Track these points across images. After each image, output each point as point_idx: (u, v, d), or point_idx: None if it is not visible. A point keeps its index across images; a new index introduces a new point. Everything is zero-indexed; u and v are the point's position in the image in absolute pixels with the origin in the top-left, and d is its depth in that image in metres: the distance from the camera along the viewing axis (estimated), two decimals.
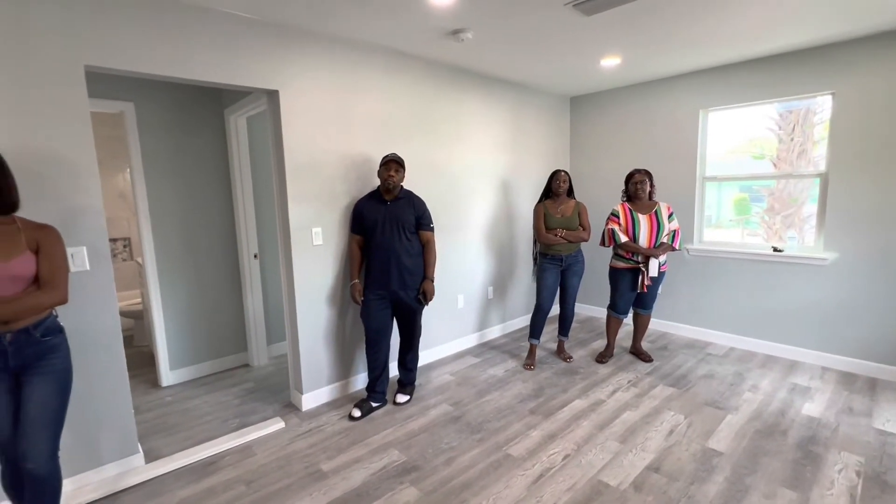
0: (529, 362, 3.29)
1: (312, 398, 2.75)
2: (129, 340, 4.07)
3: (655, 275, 3.10)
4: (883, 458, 2.12)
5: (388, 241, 2.60)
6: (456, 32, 2.62)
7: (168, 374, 3.13)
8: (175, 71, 2.10)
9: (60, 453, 1.56)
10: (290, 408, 2.76)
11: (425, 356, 3.37)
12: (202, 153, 3.18)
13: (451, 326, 3.59)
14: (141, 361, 3.59)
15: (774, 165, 4.95)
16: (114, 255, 4.53)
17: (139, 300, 4.01)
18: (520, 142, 4.03)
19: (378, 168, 2.67)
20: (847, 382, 2.93)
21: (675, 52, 3.14)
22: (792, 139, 5.53)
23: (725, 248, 3.64)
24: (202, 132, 3.17)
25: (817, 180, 3.23)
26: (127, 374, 2.09)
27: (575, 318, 4.38)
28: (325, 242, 2.71)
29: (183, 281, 3.14)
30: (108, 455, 2.07)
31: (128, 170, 3.32)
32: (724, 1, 2.28)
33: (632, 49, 3.05)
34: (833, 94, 3.06)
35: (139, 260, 3.39)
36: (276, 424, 2.53)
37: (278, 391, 2.99)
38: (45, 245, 1.50)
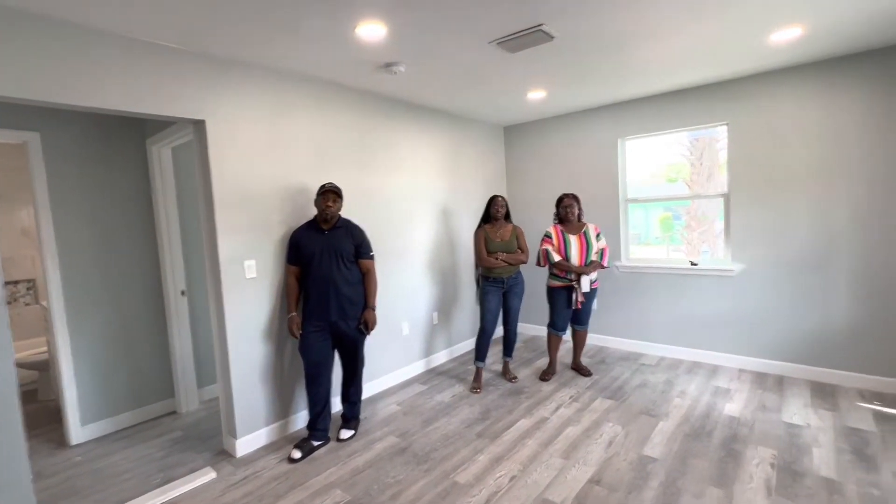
0: (476, 385, 3.31)
1: (248, 442, 2.57)
2: (31, 395, 3.61)
3: (587, 290, 3.27)
4: (792, 448, 2.33)
5: (327, 270, 2.55)
6: (388, 66, 2.70)
7: (78, 431, 2.79)
8: (86, 100, 1.98)
9: None
10: (223, 455, 2.55)
11: (371, 387, 3.28)
12: (120, 185, 2.97)
13: (397, 355, 3.54)
14: (46, 418, 3.18)
15: (689, 187, 5.51)
16: (15, 300, 4.05)
17: (45, 349, 3.59)
18: (458, 170, 4.16)
19: (315, 198, 2.64)
20: (760, 382, 3.22)
21: (593, 87, 3.44)
22: (701, 164, 6.18)
23: (650, 263, 3.93)
24: (120, 163, 2.97)
25: (722, 200, 3.61)
26: (24, 433, 1.84)
27: (519, 338, 4.49)
28: (259, 275, 2.61)
29: (98, 324, 2.86)
30: None
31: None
32: (625, 43, 2.55)
33: (554, 84, 3.29)
34: (727, 124, 3.47)
35: (45, 303, 3.06)
36: (207, 475, 2.33)
37: (210, 438, 2.77)
38: None
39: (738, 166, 3.43)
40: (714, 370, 3.49)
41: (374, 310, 2.69)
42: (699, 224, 7.21)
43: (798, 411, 2.74)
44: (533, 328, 4.70)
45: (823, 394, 2.97)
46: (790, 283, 3.25)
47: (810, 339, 3.21)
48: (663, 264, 3.86)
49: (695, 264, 3.68)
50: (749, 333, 3.45)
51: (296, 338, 2.57)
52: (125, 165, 2.99)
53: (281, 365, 2.73)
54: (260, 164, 2.62)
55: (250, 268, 2.57)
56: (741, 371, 3.43)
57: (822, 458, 2.23)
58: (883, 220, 2.91)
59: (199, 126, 2.41)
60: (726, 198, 3.55)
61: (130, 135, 3.02)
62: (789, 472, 2.14)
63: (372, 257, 2.74)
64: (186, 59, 2.29)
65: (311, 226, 2.65)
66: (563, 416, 2.82)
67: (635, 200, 4.09)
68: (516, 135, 4.70)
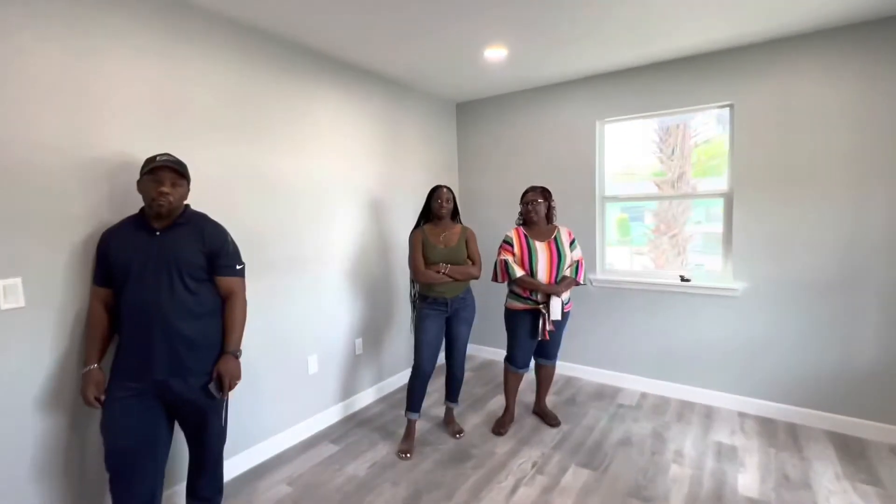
0: (405, 448, 2.40)
1: None
2: None
3: (559, 317, 2.45)
4: None
5: (153, 295, 1.56)
6: None
7: None
8: None
9: None
10: None
11: (252, 455, 2.31)
12: None
13: (298, 402, 2.56)
14: None
15: (658, 187, 4.83)
16: None
17: None
18: (396, 153, 3.23)
19: (139, 178, 1.63)
20: (768, 433, 2.53)
21: (566, 48, 2.60)
22: (672, 160, 5.52)
23: (630, 277, 3.18)
24: None
25: (720, 201, 2.90)
26: None
27: (471, 364, 3.64)
28: (31, 304, 1.56)
29: None
30: None
31: None
32: None
33: (518, 37, 2.43)
34: (731, 105, 2.75)
35: None
36: None
37: None
38: None
39: (744, 159, 2.71)
40: (709, 414, 2.77)
41: (237, 356, 1.72)
42: (669, 227, 6.66)
43: (832, 487, 2.04)
44: (489, 351, 3.87)
45: (851, 454, 2.30)
46: (806, 307, 2.57)
47: (830, 380, 2.54)
48: (647, 279, 3.11)
49: (686, 280, 2.95)
50: (752, 369, 2.76)
51: (94, 406, 1.56)
52: None
53: (81, 446, 1.70)
54: (43, 119, 1.58)
55: (12, 291, 1.52)
56: (742, 416, 2.73)
57: None
58: None
59: None
60: (727, 197, 2.84)
61: None
62: None
63: (239, 272, 1.77)
64: None
65: (136, 223, 1.64)
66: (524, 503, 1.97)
67: (615, 199, 3.33)
68: (472, 113, 3.82)
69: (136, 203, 1.70)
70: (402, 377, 3.30)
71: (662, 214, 6.78)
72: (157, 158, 1.61)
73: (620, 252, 5.04)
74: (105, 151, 1.74)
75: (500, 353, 3.70)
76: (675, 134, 5.39)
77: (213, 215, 1.80)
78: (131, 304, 1.57)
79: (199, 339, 1.63)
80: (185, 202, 1.71)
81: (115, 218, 1.72)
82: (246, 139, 2.24)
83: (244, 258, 1.84)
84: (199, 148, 2.04)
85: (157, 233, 1.62)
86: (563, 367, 3.42)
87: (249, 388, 2.24)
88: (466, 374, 3.39)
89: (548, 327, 2.44)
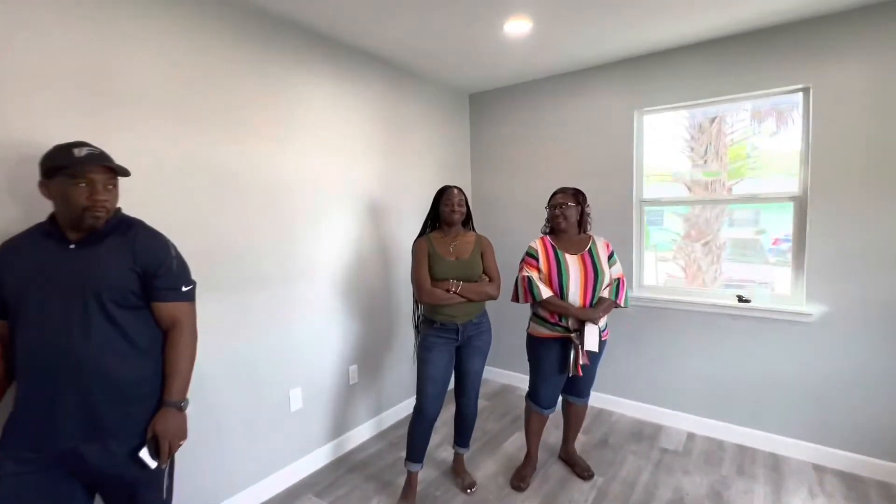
0: None
1: None
2: None
3: (595, 348, 1.98)
4: None
5: (60, 329, 1.15)
6: None
7: None
8: None
9: None
10: None
11: None
12: None
13: (277, 447, 2.14)
14: None
15: (689, 189, 4.33)
16: None
17: None
18: (399, 149, 2.81)
19: (47, 178, 1.21)
20: (859, 497, 2.02)
21: (601, 19, 2.15)
22: (705, 161, 4.97)
23: (676, 296, 2.69)
24: None
25: (789, 205, 2.41)
26: None
27: (485, 390, 3.18)
28: None
29: None
30: None
31: None
32: None
33: (545, 4, 1.98)
34: (807, 88, 2.26)
35: None
36: None
37: None
38: None
39: (824, 154, 2.22)
40: (776, 466, 2.28)
41: (181, 408, 1.30)
42: (702, 234, 6.10)
43: None
44: (502, 375, 3.41)
45: None
46: None
47: None
48: (696, 298, 2.63)
49: (745, 301, 2.46)
50: (831, 412, 2.26)
51: None
52: None
53: None
54: None
55: None
56: (819, 471, 2.23)
57: None
58: None
59: None
60: (799, 202, 2.34)
61: None
62: None
63: (186, 295, 1.35)
64: None
65: (43, 233, 1.23)
66: None
67: (656, 202, 2.86)
68: (488, 104, 3.38)
69: (48, 204, 1.29)
70: (404, 408, 2.86)
71: (694, 220, 6.19)
72: (77, 151, 1.20)
73: (646, 258, 4.52)
74: (6, 137, 1.34)
75: (517, 378, 3.25)
76: (708, 131, 4.85)
77: (166, 222, 1.39)
78: (29, 343, 1.16)
79: (126, 389, 1.22)
80: (117, 206, 1.31)
81: (20, 224, 1.31)
82: (209, 127, 1.83)
83: (208, 272, 1.47)
84: (141, 136, 1.63)
85: (72, 246, 1.21)
86: (593, 398, 2.91)
87: (213, 433, 1.83)
88: (480, 404, 2.94)
89: (581, 360, 1.98)
